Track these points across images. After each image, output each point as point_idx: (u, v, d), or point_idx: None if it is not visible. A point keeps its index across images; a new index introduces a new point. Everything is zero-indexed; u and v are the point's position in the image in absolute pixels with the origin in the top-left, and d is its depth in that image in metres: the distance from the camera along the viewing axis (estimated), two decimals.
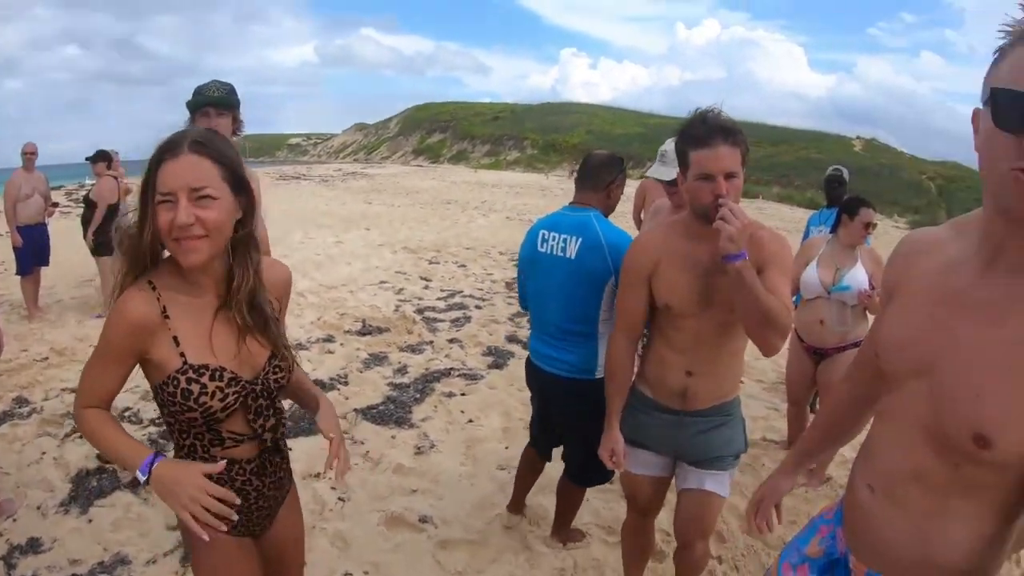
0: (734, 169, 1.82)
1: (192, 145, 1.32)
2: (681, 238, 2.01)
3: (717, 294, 1.92)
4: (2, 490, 3.22)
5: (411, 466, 3.68)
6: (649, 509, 2.37)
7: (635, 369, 2.23)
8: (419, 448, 3.91)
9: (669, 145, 2.69)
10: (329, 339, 5.93)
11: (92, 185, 7.07)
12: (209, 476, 1.37)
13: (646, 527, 2.47)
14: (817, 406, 4.32)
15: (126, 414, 4.13)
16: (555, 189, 26.06)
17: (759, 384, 5.24)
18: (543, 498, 3.23)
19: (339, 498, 3.30)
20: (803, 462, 1.65)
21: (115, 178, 6.73)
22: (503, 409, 4.52)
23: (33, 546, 2.85)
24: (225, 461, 1.43)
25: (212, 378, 1.39)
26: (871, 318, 3.15)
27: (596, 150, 2.82)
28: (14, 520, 3.04)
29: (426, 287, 8.25)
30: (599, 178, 2.60)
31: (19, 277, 6.52)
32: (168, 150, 1.32)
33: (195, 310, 1.42)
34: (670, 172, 2.63)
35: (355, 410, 4.38)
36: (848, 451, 3.39)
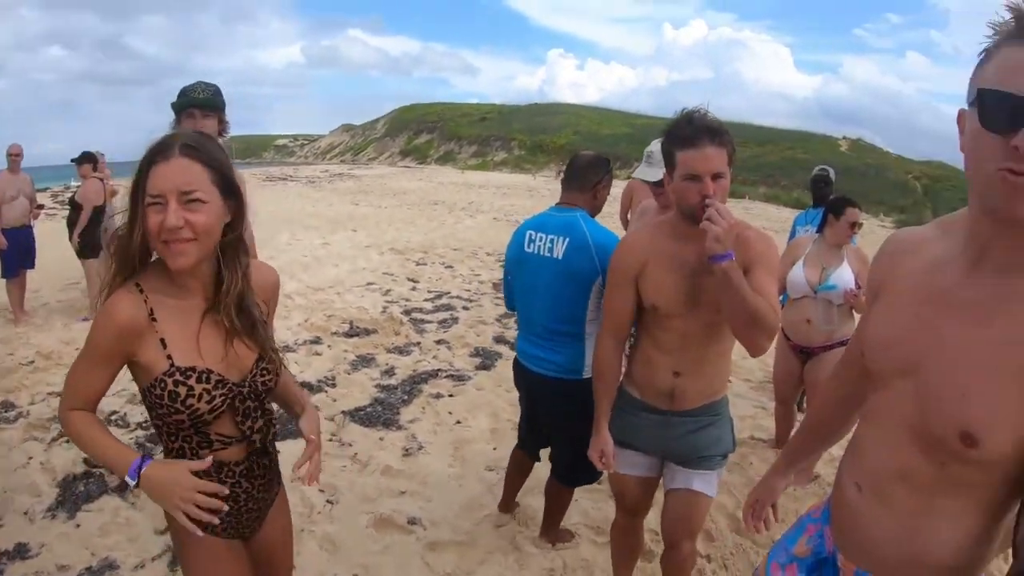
0: (721, 169, 1.82)
1: (183, 148, 1.32)
2: (668, 239, 2.01)
3: (704, 294, 1.93)
4: None
5: (399, 468, 3.67)
6: (638, 509, 2.37)
7: (623, 370, 2.24)
8: (407, 450, 3.91)
9: (655, 146, 2.70)
10: (316, 341, 5.91)
11: (77, 187, 7.01)
12: (197, 473, 1.38)
13: (635, 527, 2.47)
14: (804, 404, 4.36)
15: (113, 417, 4.09)
16: (542, 190, 26.06)
17: (746, 383, 5.26)
18: (532, 499, 3.23)
19: (327, 501, 3.29)
20: (795, 461, 1.67)
21: (101, 180, 6.68)
22: (491, 410, 4.52)
23: (20, 552, 2.82)
24: (211, 457, 1.43)
25: (199, 380, 1.39)
26: (857, 317, 3.18)
27: (583, 151, 2.82)
28: (1, 526, 3.01)
29: (413, 288, 8.23)
30: (586, 179, 2.60)
31: (4, 280, 6.45)
32: (159, 152, 1.32)
33: (183, 313, 1.42)
34: (656, 173, 2.64)
35: (343, 412, 4.36)
36: (835, 449, 3.40)
